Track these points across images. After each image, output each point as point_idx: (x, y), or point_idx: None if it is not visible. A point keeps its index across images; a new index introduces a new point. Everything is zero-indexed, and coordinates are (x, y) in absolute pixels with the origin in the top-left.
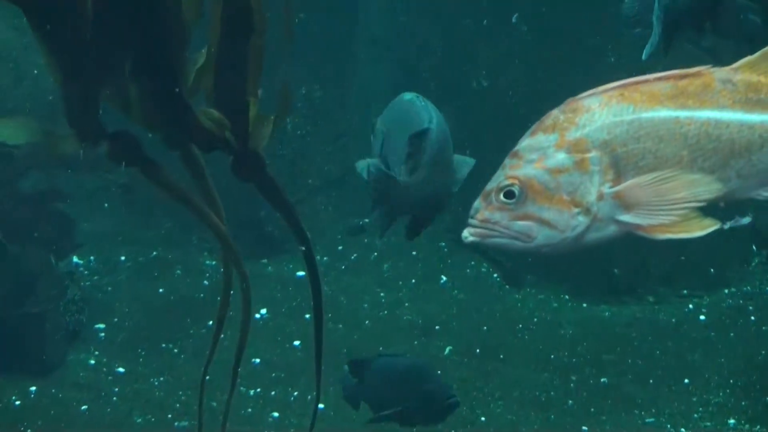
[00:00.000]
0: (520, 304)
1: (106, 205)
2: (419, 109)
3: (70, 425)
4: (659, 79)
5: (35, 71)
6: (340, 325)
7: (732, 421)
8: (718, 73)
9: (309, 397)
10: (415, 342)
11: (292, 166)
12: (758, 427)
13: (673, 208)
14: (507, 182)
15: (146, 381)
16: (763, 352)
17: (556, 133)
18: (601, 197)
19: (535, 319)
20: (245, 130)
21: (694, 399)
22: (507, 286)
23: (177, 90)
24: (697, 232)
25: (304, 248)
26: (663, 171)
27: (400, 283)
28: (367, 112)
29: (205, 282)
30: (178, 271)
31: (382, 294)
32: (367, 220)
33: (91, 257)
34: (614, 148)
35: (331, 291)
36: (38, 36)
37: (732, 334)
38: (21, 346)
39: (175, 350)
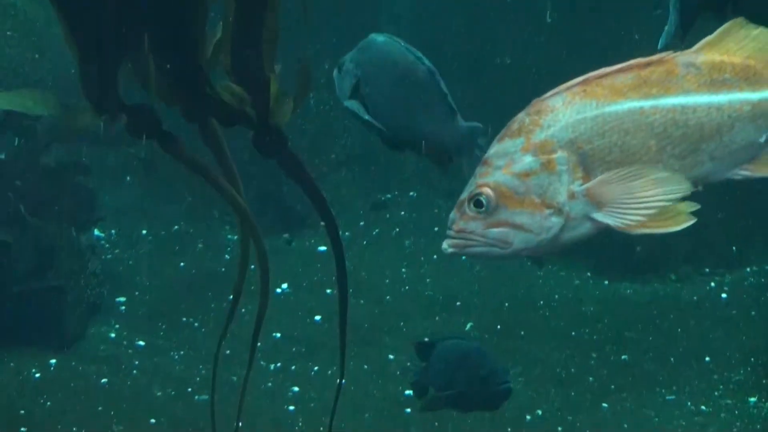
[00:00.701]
0: (542, 282)
1: (128, 178)
2: (403, 50)
3: (90, 398)
4: (622, 70)
5: (58, 45)
6: (362, 301)
7: (753, 399)
8: (680, 58)
9: (329, 371)
10: (437, 318)
11: (314, 141)
12: None
13: (643, 206)
14: (477, 191)
15: (167, 355)
16: None
17: (522, 136)
18: (572, 196)
19: (557, 297)
20: (266, 105)
21: (715, 377)
22: (529, 264)
23: (195, 63)
24: (672, 227)
25: (326, 224)
26: (629, 167)
27: (422, 258)
28: None
29: (227, 256)
30: (200, 246)
31: (403, 270)
32: (389, 196)
33: (113, 231)
34: (580, 146)
35: (352, 266)
36: (57, 9)
37: (753, 313)
38: (41, 319)
39: (196, 324)
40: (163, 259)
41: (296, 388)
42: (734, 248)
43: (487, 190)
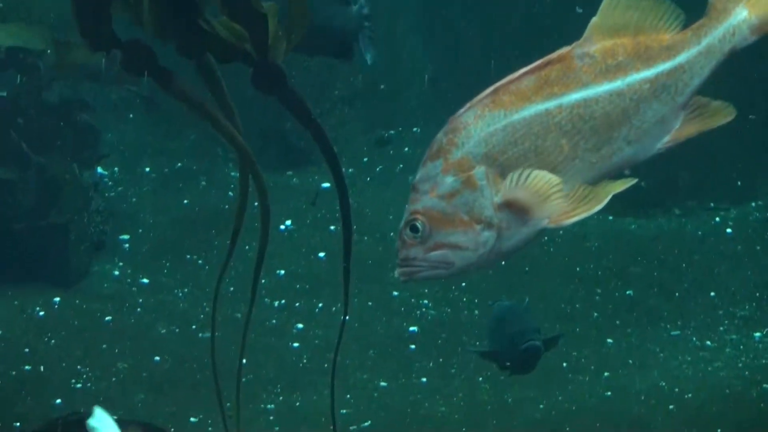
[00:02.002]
0: None
1: (131, 116)
2: None
3: (94, 336)
4: (525, 74)
5: None
6: (366, 237)
7: (758, 334)
8: (576, 50)
9: (334, 308)
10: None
11: (317, 78)
12: None
13: (550, 199)
14: (410, 218)
15: (170, 292)
16: None
17: (440, 158)
18: (498, 208)
19: (561, 232)
20: (264, 41)
21: (720, 312)
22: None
23: None
24: (596, 206)
25: (328, 160)
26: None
27: None
28: (395, 22)
29: (230, 194)
30: (203, 183)
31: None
32: (392, 132)
33: (116, 168)
34: (495, 158)
35: (356, 203)
36: None
37: (758, 248)
38: (45, 256)
39: (200, 262)
40: (167, 197)
41: (300, 325)
42: (739, 183)
43: (419, 216)
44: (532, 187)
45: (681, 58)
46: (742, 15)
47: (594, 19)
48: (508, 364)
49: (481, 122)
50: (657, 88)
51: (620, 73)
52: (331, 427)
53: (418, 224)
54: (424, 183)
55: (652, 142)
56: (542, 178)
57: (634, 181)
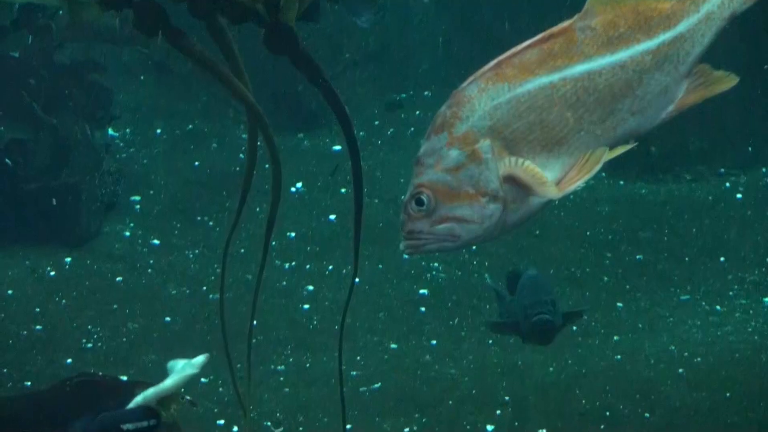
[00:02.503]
0: None
1: (142, 77)
2: None
3: (105, 296)
4: (529, 47)
5: None
6: (376, 200)
7: (767, 299)
8: (578, 23)
9: (344, 271)
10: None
11: (329, 41)
12: None
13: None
14: (415, 191)
15: (181, 253)
16: None
17: (445, 132)
18: (503, 180)
19: (571, 197)
20: (275, 2)
21: (730, 277)
22: None
23: None
24: (594, 167)
25: (340, 121)
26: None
27: None
28: None
29: (241, 156)
30: (214, 145)
31: None
32: (404, 96)
33: (127, 129)
34: (500, 131)
35: (367, 166)
36: None
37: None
38: (57, 216)
39: (210, 223)
40: (178, 158)
41: (311, 287)
42: (750, 148)
43: (425, 190)
44: (529, 170)
45: (681, 27)
46: None
47: None
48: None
49: (485, 95)
50: (659, 58)
51: (622, 44)
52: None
53: (424, 197)
54: (428, 156)
55: (656, 112)
56: (533, 169)
57: (632, 146)
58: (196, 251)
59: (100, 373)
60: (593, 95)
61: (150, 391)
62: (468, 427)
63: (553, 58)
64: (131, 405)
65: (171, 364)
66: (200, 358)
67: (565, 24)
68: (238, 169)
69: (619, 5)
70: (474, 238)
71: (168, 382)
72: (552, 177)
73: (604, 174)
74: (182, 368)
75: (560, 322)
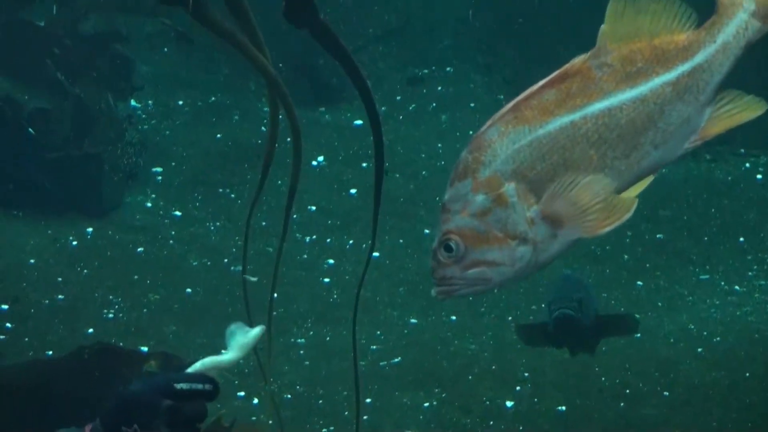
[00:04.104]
0: None
1: (165, 49)
2: None
3: (126, 267)
4: (545, 87)
5: None
6: (397, 175)
7: None
8: (593, 61)
9: (364, 245)
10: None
11: (352, 14)
12: None
13: (590, 210)
14: (444, 238)
15: (202, 225)
16: None
17: (468, 177)
18: (531, 222)
19: None
20: None
21: (749, 257)
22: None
23: None
24: (626, 214)
25: (361, 95)
26: (564, 179)
27: (458, 134)
28: None
29: (263, 128)
30: (236, 117)
31: (439, 144)
32: (426, 71)
33: (149, 101)
34: (525, 174)
35: (388, 141)
36: None
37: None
38: (79, 186)
39: (232, 195)
40: (200, 130)
41: (331, 261)
42: None
43: (453, 236)
44: (574, 196)
45: (699, 58)
46: (750, 8)
47: (603, 27)
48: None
49: (506, 139)
50: (679, 89)
51: (641, 78)
52: (354, 362)
53: (452, 244)
54: (454, 203)
55: (679, 143)
56: (589, 190)
57: (651, 179)
58: (218, 223)
59: (120, 344)
60: (615, 131)
61: (208, 360)
62: (487, 402)
63: (572, 98)
64: (188, 370)
65: (229, 332)
66: (257, 330)
67: (579, 62)
68: (259, 141)
69: (633, 41)
70: (506, 279)
71: (227, 356)
72: None
73: None
74: (239, 341)
75: (587, 321)
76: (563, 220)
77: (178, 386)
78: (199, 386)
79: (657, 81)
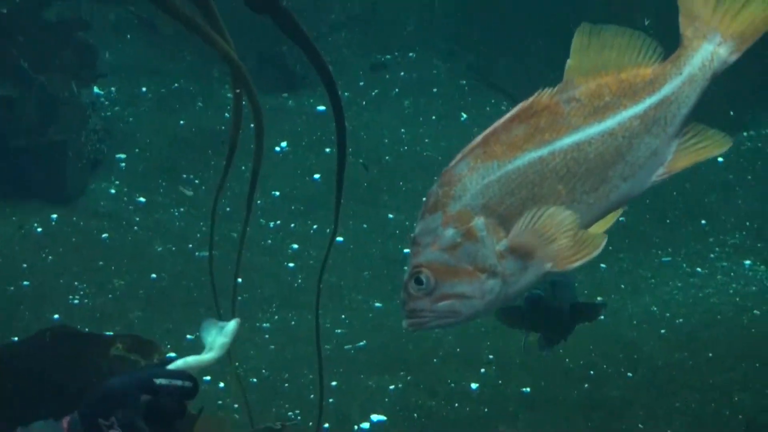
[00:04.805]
0: None
1: (128, 36)
2: None
3: (91, 253)
4: (513, 121)
5: None
6: (361, 160)
7: (748, 261)
8: (560, 95)
9: (328, 230)
10: (435, 177)
11: (315, 1)
12: None
13: (557, 243)
14: (414, 271)
15: (167, 211)
16: None
17: (439, 211)
18: (501, 256)
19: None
20: None
21: (711, 240)
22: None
23: None
24: (595, 251)
25: (322, 79)
26: (531, 211)
27: (421, 119)
28: None
29: (226, 114)
30: (200, 104)
31: (402, 130)
32: (389, 57)
33: (112, 88)
34: (494, 209)
35: (351, 126)
36: None
37: (749, 177)
38: (43, 173)
39: (196, 181)
40: (164, 117)
41: (295, 246)
42: (732, 112)
43: (423, 269)
44: (540, 228)
45: (666, 90)
46: (715, 39)
47: (569, 62)
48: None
49: (475, 174)
50: (647, 122)
51: (609, 112)
52: (317, 346)
53: (423, 277)
54: (424, 236)
55: (647, 175)
56: (553, 220)
57: (620, 212)
58: (182, 209)
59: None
60: (584, 165)
61: (190, 359)
62: (452, 385)
63: (540, 133)
64: (169, 367)
65: (203, 328)
66: (232, 324)
67: (546, 96)
68: (223, 128)
69: (600, 75)
70: (476, 312)
71: (208, 355)
72: None
73: None
74: (217, 339)
75: (561, 305)
76: (531, 253)
77: (158, 381)
78: (179, 383)
79: (625, 114)
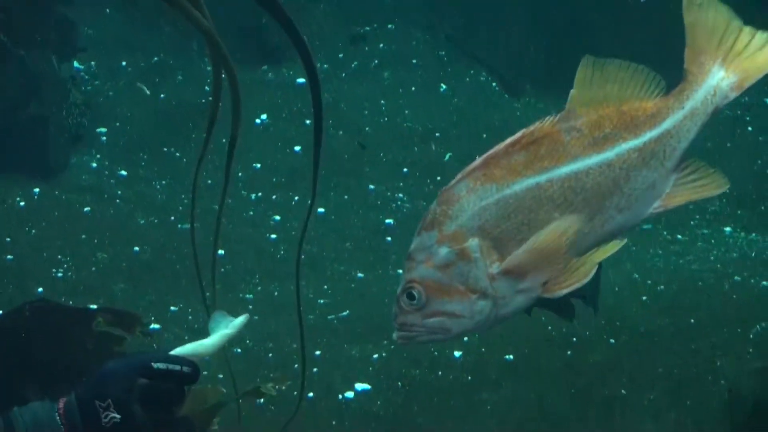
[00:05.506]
0: (519, 113)
1: (107, 10)
2: None
3: (74, 226)
4: (514, 145)
5: None
6: (341, 132)
7: (728, 228)
8: (562, 124)
9: (309, 201)
10: (415, 148)
11: None
12: (753, 235)
13: (552, 265)
14: (407, 286)
15: (148, 184)
16: (759, 161)
17: (435, 229)
18: (492, 278)
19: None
20: None
21: (691, 207)
22: (506, 95)
23: None
24: (585, 276)
25: (300, 53)
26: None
27: (401, 90)
28: None
29: (207, 88)
30: (180, 77)
31: (382, 101)
32: (368, 29)
33: (92, 62)
34: (489, 232)
35: (331, 98)
36: None
37: (729, 145)
38: (25, 148)
39: (177, 154)
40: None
41: (277, 217)
42: None
43: (416, 285)
44: (534, 258)
45: (667, 124)
46: (719, 74)
47: (572, 92)
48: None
49: (473, 195)
50: (646, 155)
51: (609, 144)
52: (300, 316)
53: (415, 292)
54: (419, 252)
55: (643, 207)
56: (543, 252)
57: (622, 243)
58: (164, 182)
59: (70, 303)
60: (581, 195)
61: (188, 346)
62: (436, 353)
63: (540, 160)
64: (170, 353)
65: (212, 320)
66: (240, 319)
67: (548, 124)
68: (203, 101)
69: (602, 106)
70: (465, 331)
71: (208, 341)
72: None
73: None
74: (222, 328)
75: None
76: (523, 279)
77: (156, 366)
78: (177, 368)
79: (624, 147)
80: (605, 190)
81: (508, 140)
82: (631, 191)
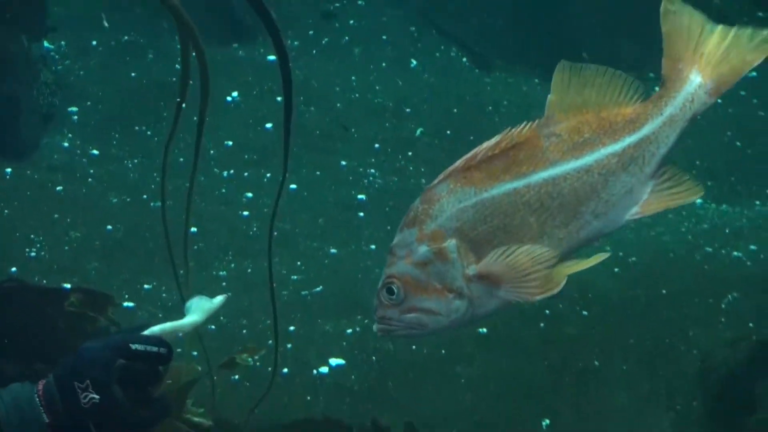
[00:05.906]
0: (490, 88)
1: None
2: None
3: (47, 206)
4: (494, 149)
5: None
6: (312, 108)
7: (699, 200)
8: (542, 129)
9: (281, 178)
10: (387, 124)
11: None
12: (724, 206)
13: (528, 279)
14: (387, 281)
15: (121, 163)
16: (729, 133)
17: (416, 227)
18: (468, 279)
19: (505, 102)
20: None
21: None
22: (476, 70)
23: None
24: (555, 288)
25: (268, 30)
26: (506, 246)
27: (371, 66)
28: None
29: (177, 66)
30: (150, 56)
31: (353, 77)
32: (338, 5)
33: (62, 42)
34: (466, 234)
35: (302, 75)
36: None
37: (699, 118)
38: None
39: (149, 133)
40: (114, 70)
41: (250, 194)
42: None
43: (395, 281)
44: (512, 263)
45: (646, 130)
46: (696, 81)
47: (550, 97)
48: None
49: (453, 197)
50: (625, 160)
51: (587, 149)
52: (273, 293)
53: (394, 287)
54: (400, 248)
55: (620, 213)
56: (528, 257)
57: (604, 257)
58: (135, 161)
59: (44, 282)
60: (557, 200)
61: (167, 325)
62: None
63: (518, 165)
64: (145, 333)
65: (189, 303)
66: (219, 299)
67: (528, 130)
68: (174, 79)
69: (581, 112)
70: (441, 328)
71: (187, 320)
72: None
73: (537, 80)
74: (200, 308)
75: None
76: (499, 284)
77: (134, 347)
78: (154, 349)
79: (603, 152)
80: (582, 195)
81: (489, 143)
82: (608, 197)
